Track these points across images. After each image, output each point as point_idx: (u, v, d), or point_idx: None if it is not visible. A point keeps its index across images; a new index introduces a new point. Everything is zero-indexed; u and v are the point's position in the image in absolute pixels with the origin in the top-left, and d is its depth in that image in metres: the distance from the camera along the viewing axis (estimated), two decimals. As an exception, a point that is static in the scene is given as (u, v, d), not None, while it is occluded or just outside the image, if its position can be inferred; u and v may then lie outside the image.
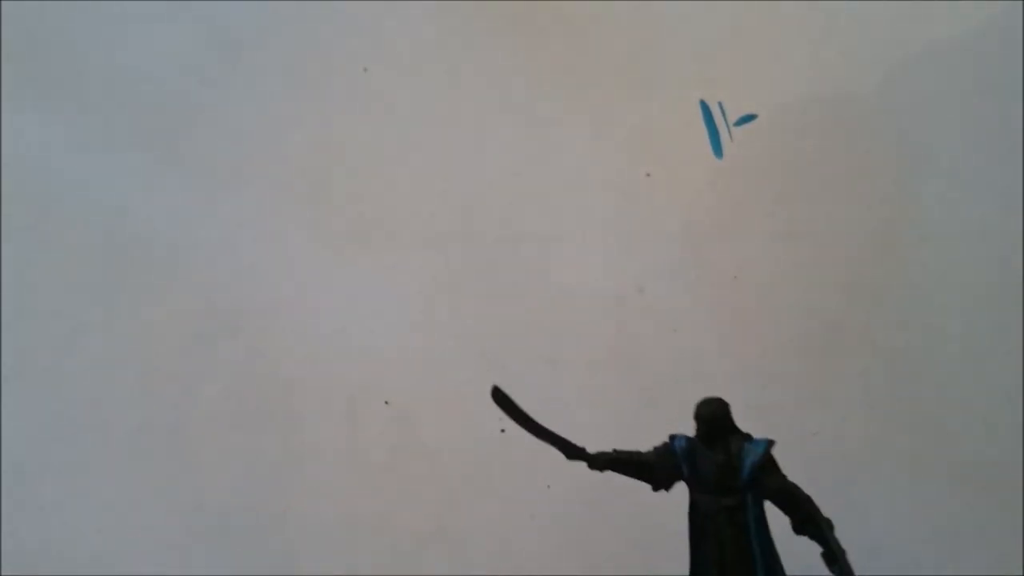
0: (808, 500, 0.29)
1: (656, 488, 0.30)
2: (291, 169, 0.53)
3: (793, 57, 0.54)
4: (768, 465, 0.29)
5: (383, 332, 0.50)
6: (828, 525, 0.30)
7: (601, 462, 0.31)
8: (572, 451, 0.31)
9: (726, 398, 0.48)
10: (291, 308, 0.50)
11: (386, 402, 0.48)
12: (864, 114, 0.53)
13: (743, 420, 0.48)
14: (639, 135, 0.53)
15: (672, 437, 0.30)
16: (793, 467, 0.47)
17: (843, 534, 0.46)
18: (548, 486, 0.45)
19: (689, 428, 0.48)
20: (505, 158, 0.53)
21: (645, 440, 0.48)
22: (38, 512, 0.46)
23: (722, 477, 0.29)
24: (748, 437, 0.30)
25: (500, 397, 0.32)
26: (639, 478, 0.31)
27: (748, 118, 0.53)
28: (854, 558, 0.46)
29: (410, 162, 0.53)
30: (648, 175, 0.52)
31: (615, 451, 0.31)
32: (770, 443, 0.29)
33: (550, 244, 0.51)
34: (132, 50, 0.55)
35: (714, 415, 0.30)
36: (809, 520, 0.29)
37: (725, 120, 0.53)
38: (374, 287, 0.50)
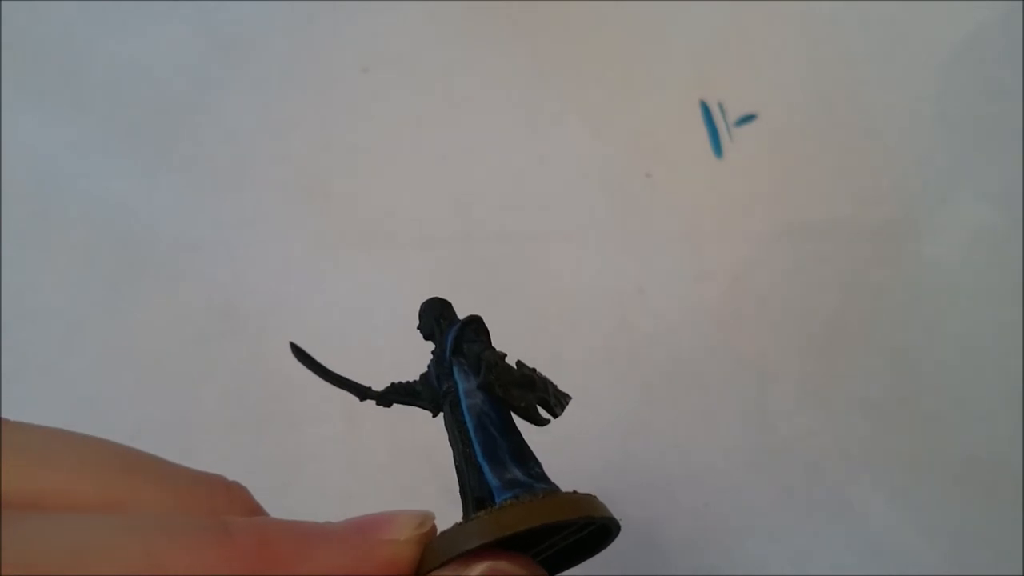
0: (489, 361, 0.25)
1: (433, 412, 0.28)
2: (291, 169, 0.53)
3: (793, 57, 0.54)
4: (468, 336, 0.26)
5: (383, 332, 0.50)
6: (502, 361, 0.25)
7: (385, 397, 0.29)
8: (362, 392, 0.30)
9: (726, 398, 0.48)
10: (291, 308, 0.50)
11: (386, 402, 0.48)
12: (864, 114, 0.53)
13: (743, 419, 0.48)
14: (639, 135, 0.53)
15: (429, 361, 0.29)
16: (793, 467, 0.47)
17: (844, 534, 0.46)
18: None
19: (688, 428, 0.48)
20: (505, 158, 0.53)
21: (646, 440, 0.48)
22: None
23: (438, 365, 0.26)
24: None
25: (298, 352, 0.32)
26: (417, 405, 0.29)
27: (748, 118, 0.53)
28: (854, 558, 0.46)
29: (410, 162, 0.53)
30: (648, 175, 0.52)
31: (392, 383, 0.29)
32: (471, 316, 0.26)
33: (550, 244, 0.51)
34: (132, 50, 0.55)
35: (428, 309, 0.28)
36: (485, 364, 0.25)
37: (725, 120, 0.53)
38: (374, 287, 0.50)
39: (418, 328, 0.28)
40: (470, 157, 0.53)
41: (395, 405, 0.29)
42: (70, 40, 0.55)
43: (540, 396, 0.26)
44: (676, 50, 0.54)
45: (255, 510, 0.22)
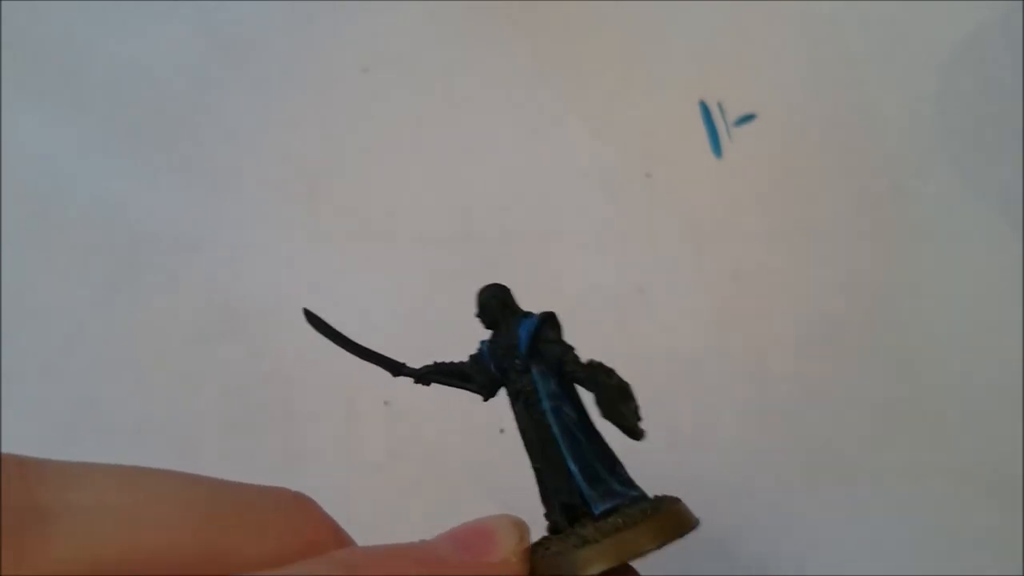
0: (576, 362, 0.26)
1: (485, 397, 0.27)
2: (291, 169, 0.53)
3: (793, 57, 0.54)
4: (546, 336, 0.26)
5: (383, 331, 0.50)
6: (602, 370, 0.26)
7: (425, 376, 0.29)
8: (396, 368, 0.29)
9: (726, 398, 0.48)
10: (291, 308, 0.50)
11: (385, 402, 0.48)
12: (864, 114, 0.53)
13: (743, 420, 0.48)
14: (639, 135, 0.53)
15: (481, 342, 0.28)
16: (793, 467, 0.47)
17: (843, 534, 0.46)
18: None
19: (688, 428, 0.48)
20: (505, 158, 0.53)
21: (645, 441, 0.48)
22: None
23: (508, 359, 0.26)
24: (529, 314, 0.27)
25: (313, 319, 0.30)
26: (464, 388, 0.28)
27: (748, 118, 0.53)
28: (854, 558, 0.46)
29: (410, 162, 0.53)
30: (648, 175, 0.52)
31: (435, 362, 0.29)
32: (547, 313, 0.26)
33: (550, 244, 0.51)
34: (132, 50, 0.55)
35: (491, 297, 0.28)
36: (587, 381, 0.26)
37: (725, 120, 0.53)
38: (374, 286, 0.50)
39: (477, 316, 0.28)
40: (470, 157, 0.53)
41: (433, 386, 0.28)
42: (70, 40, 0.55)
43: (635, 406, 0.25)
44: (676, 50, 0.54)
45: (330, 525, 0.21)
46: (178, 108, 0.54)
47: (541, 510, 0.26)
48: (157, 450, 0.48)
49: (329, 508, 0.24)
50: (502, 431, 0.44)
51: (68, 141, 0.53)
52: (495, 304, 0.27)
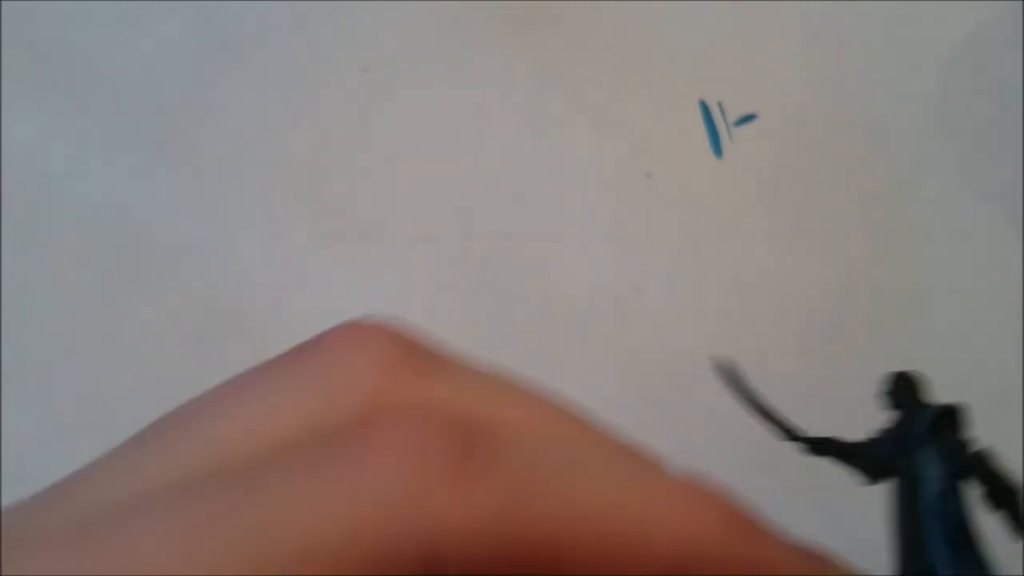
0: (977, 459, 0.26)
1: (869, 480, 0.28)
2: (291, 169, 0.53)
3: (793, 57, 0.54)
4: (948, 426, 0.27)
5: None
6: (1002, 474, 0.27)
7: (818, 447, 0.28)
8: (791, 433, 0.29)
9: (726, 398, 0.48)
10: (291, 308, 0.50)
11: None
12: (864, 114, 0.53)
13: (742, 419, 0.48)
14: (639, 135, 0.53)
15: (878, 430, 0.28)
16: (794, 466, 0.47)
17: (843, 534, 0.46)
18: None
19: (688, 428, 0.48)
20: (505, 158, 0.53)
21: (645, 441, 0.48)
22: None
23: (898, 439, 0.27)
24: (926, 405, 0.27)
25: (727, 372, 0.30)
26: (848, 465, 0.28)
27: (748, 118, 0.53)
28: (855, 558, 0.46)
29: (410, 162, 0.53)
30: (648, 175, 0.52)
31: (828, 436, 0.29)
32: (951, 406, 0.27)
33: (550, 244, 0.51)
34: (131, 50, 0.55)
35: (903, 381, 0.28)
36: (997, 489, 0.26)
37: (725, 120, 0.53)
38: (374, 287, 0.50)
39: (887, 394, 0.29)
40: (470, 157, 0.53)
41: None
42: (70, 40, 0.55)
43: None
44: (676, 50, 0.54)
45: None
46: (178, 108, 0.54)
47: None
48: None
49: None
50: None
51: (68, 141, 0.53)
52: (906, 390, 0.29)
